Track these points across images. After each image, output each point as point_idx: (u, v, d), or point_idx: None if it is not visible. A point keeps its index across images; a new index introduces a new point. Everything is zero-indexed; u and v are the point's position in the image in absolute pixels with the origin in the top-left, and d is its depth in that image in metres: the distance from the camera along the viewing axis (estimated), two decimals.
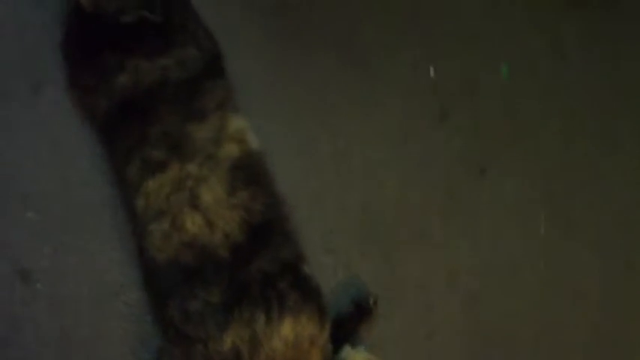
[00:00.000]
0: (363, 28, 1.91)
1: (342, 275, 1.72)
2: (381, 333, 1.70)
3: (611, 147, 1.93)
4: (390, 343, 1.70)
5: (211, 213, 1.50)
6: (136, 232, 1.58)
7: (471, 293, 1.76)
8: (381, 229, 1.77)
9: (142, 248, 1.55)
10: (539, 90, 1.93)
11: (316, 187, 1.78)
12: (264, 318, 1.45)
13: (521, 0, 2.01)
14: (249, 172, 1.55)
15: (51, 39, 1.74)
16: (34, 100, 1.72)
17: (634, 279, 1.82)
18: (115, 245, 1.64)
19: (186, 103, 1.58)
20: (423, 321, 1.73)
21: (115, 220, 1.63)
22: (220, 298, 1.47)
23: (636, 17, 2.05)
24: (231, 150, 1.55)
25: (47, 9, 1.75)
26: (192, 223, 1.49)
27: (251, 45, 1.83)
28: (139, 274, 1.60)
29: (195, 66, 1.61)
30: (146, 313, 1.61)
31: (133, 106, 1.59)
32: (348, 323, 1.67)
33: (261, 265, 1.49)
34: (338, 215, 1.77)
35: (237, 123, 1.59)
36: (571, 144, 1.90)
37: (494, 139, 1.87)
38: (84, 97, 1.67)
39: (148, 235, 1.52)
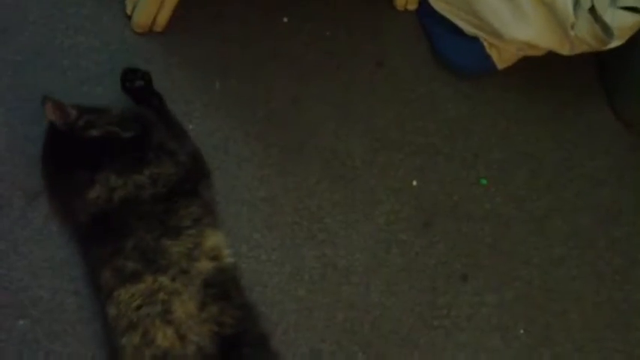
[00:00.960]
0: (348, 144, 1.98)
1: None
2: None
3: (587, 249, 1.97)
4: None
5: (183, 327, 1.51)
6: (110, 343, 1.60)
7: None
8: (367, 335, 1.79)
9: None
10: (517, 198, 1.99)
11: (303, 294, 1.81)
12: None
13: (496, 115, 2.11)
14: (220, 288, 1.58)
15: None
16: (28, 210, 1.77)
17: None
18: (105, 354, 1.66)
19: (161, 218, 1.62)
20: None
21: (105, 329, 1.64)
22: None
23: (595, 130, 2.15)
24: (204, 266, 1.59)
25: (41, 123, 1.82)
26: (164, 338, 1.51)
27: (239, 156, 1.91)
28: None
29: (169, 183, 1.67)
30: None
31: (107, 218, 1.64)
32: None
33: None
34: (324, 321, 1.79)
35: (213, 240, 1.64)
36: (548, 248, 1.94)
37: (475, 247, 1.91)
38: (63, 210, 1.73)
39: (121, 349, 1.54)
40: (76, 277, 1.71)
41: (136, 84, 1.84)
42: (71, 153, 1.70)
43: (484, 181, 1.99)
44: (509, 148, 2.06)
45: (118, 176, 1.64)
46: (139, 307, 1.53)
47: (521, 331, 1.85)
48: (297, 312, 1.79)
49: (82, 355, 1.65)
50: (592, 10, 1.83)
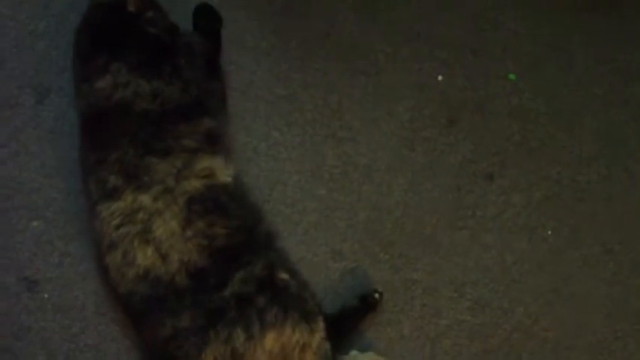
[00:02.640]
0: (370, 37, 1.89)
1: (350, 280, 1.71)
2: (388, 337, 1.69)
3: (618, 147, 1.90)
4: (397, 347, 1.69)
5: (164, 246, 1.48)
6: (99, 259, 1.58)
7: (479, 298, 1.74)
8: (389, 235, 1.75)
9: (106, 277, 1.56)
10: (547, 94, 1.91)
11: (324, 193, 1.77)
12: (244, 335, 1.44)
13: (525, 8, 2.00)
14: (208, 203, 1.53)
15: (56, 48, 1.75)
16: (39, 109, 1.73)
17: None
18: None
19: (152, 136, 1.55)
20: (431, 325, 1.71)
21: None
22: (190, 322, 1.46)
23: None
24: (192, 184, 1.53)
25: (52, 18, 1.76)
26: (144, 257, 1.48)
27: (256, 51, 1.84)
28: None
29: (166, 105, 1.58)
30: None
31: (99, 120, 1.58)
32: (353, 316, 1.66)
33: (235, 288, 1.47)
34: (346, 220, 1.75)
35: (206, 163, 1.56)
36: (578, 146, 1.88)
37: (502, 145, 1.85)
38: (76, 91, 1.66)
39: (106, 268, 1.53)
40: None
41: (214, 27, 1.77)
42: (107, 34, 1.63)
43: (512, 76, 1.91)
44: (538, 41, 1.96)
45: (128, 72, 1.57)
46: (118, 227, 1.50)
47: (549, 233, 1.80)
48: (317, 211, 1.75)
49: (97, 256, 1.61)
50: None
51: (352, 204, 1.76)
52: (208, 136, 1.59)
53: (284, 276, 1.52)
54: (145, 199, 1.50)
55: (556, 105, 1.91)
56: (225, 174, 1.58)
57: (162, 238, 1.48)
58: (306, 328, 1.48)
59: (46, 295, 1.63)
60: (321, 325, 1.51)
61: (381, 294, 1.66)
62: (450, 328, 1.72)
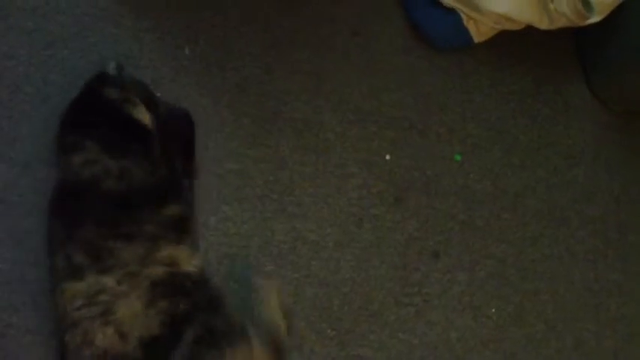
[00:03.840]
0: (321, 116, 1.93)
1: (297, 357, 1.71)
2: None
3: (561, 227, 1.96)
4: None
5: (125, 326, 1.45)
6: (59, 334, 1.54)
7: None
8: (336, 311, 1.76)
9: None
10: (492, 175, 1.96)
11: (272, 268, 1.77)
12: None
13: (471, 92, 2.06)
14: (172, 287, 1.51)
15: (8, 118, 1.74)
16: None
17: (584, 356, 1.84)
18: None
19: (112, 220, 1.54)
20: None
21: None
22: None
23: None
24: (155, 271, 1.51)
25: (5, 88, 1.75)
26: (104, 338, 1.45)
27: (208, 126, 1.85)
28: None
29: (131, 186, 1.57)
30: None
31: (71, 196, 1.57)
32: None
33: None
34: (293, 296, 1.76)
35: (169, 251, 1.55)
36: (522, 226, 1.93)
37: (447, 223, 1.89)
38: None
39: (64, 345, 1.50)
40: (36, 247, 1.63)
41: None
42: (86, 112, 1.64)
43: (458, 157, 1.96)
44: (484, 123, 2.02)
45: (100, 150, 1.57)
46: (79, 308, 1.47)
47: (493, 310, 1.83)
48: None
49: (42, 327, 1.60)
50: None
51: (300, 280, 1.77)
52: (172, 223, 1.58)
53: None
54: (109, 281, 1.47)
55: (501, 186, 1.96)
56: (190, 264, 1.56)
57: (125, 319, 1.45)
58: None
59: None
60: None
61: None
62: None
